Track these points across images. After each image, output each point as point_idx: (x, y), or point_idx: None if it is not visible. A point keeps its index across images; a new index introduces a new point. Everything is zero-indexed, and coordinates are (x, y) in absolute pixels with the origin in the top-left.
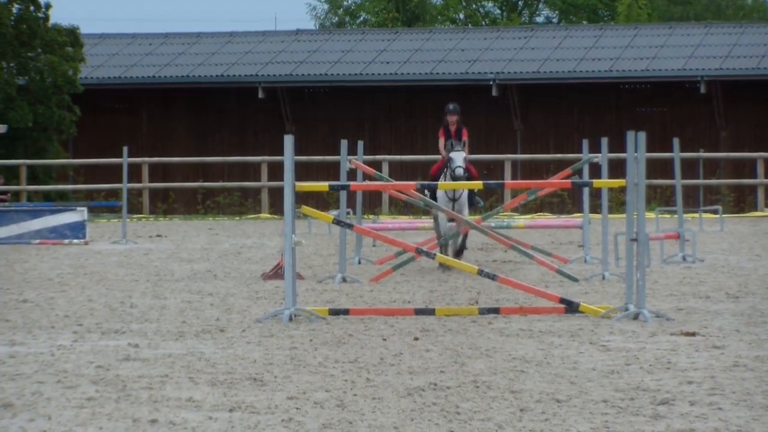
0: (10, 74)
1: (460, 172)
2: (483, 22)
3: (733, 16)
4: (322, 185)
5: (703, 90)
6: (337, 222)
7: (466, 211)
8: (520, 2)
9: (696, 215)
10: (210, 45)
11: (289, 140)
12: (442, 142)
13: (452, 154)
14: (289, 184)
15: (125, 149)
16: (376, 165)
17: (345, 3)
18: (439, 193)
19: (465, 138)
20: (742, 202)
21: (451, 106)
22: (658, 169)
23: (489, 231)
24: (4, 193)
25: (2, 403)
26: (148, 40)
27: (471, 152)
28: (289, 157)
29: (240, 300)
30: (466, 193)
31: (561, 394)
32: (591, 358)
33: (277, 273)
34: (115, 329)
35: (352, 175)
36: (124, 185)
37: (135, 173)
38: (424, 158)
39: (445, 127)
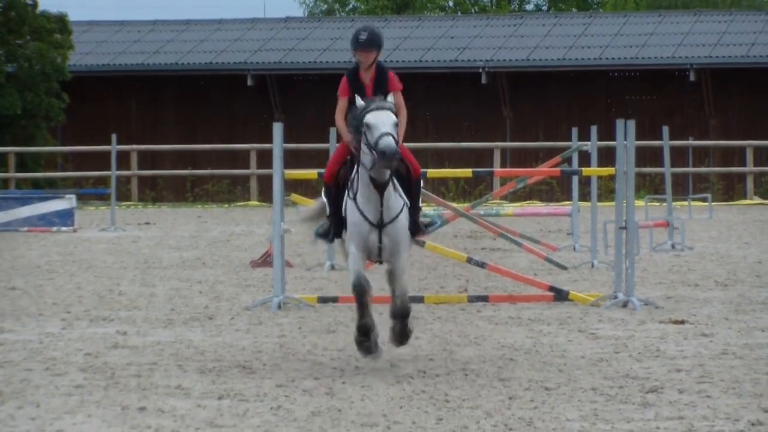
0: None
1: (389, 143)
2: (472, 10)
3: (723, 4)
4: (311, 173)
5: (692, 78)
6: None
7: (403, 253)
8: None
9: (685, 203)
10: (199, 32)
11: (278, 128)
12: (342, 106)
13: (370, 117)
14: (278, 171)
15: (114, 137)
16: None
17: None
18: (352, 214)
19: (395, 89)
20: (731, 190)
21: (362, 36)
22: (647, 157)
23: (478, 219)
24: None
25: None
26: (136, 27)
27: (460, 139)
28: (278, 145)
29: (229, 288)
30: (403, 218)
31: (550, 382)
32: (580, 346)
33: (265, 261)
34: (103, 317)
35: None
36: (113, 173)
37: (124, 161)
38: (412, 146)
39: (352, 77)
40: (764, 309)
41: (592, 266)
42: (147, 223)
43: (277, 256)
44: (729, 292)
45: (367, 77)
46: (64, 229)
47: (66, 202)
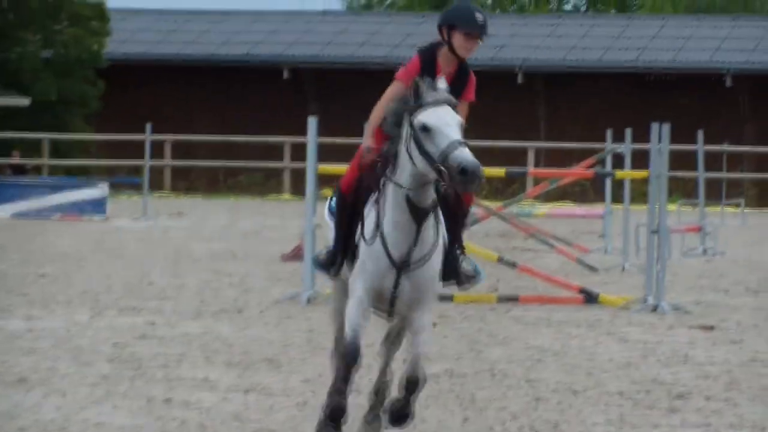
0: (36, 47)
1: (467, 157)
2: (511, 8)
3: (761, 9)
4: (346, 168)
5: (729, 83)
6: None
7: (429, 305)
8: None
9: (718, 208)
10: (236, 23)
11: (312, 122)
12: (395, 91)
13: (429, 117)
14: (311, 166)
15: (148, 126)
16: None
17: None
18: (371, 244)
19: (469, 99)
20: (765, 196)
21: (479, 17)
22: (681, 161)
23: (510, 218)
24: (22, 168)
25: (17, 378)
26: (174, 16)
27: (494, 138)
28: (312, 139)
29: (259, 281)
30: (436, 259)
31: (577, 385)
32: (608, 349)
33: (296, 254)
34: (132, 306)
35: None
36: (147, 162)
37: (158, 150)
38: None
39: (428, 60)
40: None
41: (623, 269)
42: (179, 214)
43: (308, 250)
44: (760, 299)
45: (447, 68)
46: (95, 217)
47: (99, 190)
